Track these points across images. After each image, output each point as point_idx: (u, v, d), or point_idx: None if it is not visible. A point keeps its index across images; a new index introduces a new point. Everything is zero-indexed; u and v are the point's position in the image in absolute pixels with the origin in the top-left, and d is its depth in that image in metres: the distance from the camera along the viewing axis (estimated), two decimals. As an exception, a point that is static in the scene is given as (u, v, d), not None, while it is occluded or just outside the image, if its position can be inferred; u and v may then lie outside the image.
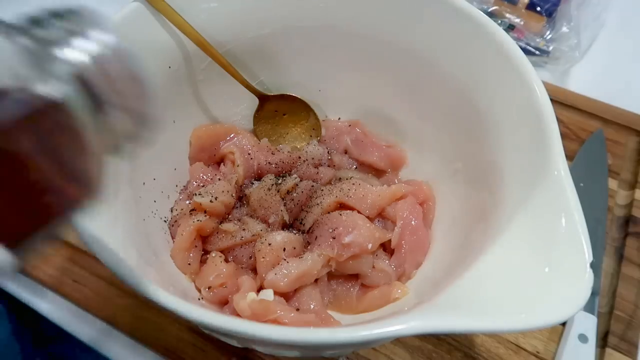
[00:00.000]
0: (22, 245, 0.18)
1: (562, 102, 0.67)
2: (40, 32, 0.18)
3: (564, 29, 0.74)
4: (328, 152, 0.53)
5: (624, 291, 0.51)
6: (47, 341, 0.56)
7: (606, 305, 0.50)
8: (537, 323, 0.28)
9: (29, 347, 0.54)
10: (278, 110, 0.54)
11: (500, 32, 0.40)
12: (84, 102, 0.18)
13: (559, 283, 0.30)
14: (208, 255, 0.45)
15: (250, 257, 0.45)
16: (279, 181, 0.50)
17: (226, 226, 0.46)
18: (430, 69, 0.47)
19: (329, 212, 0.48)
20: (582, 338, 0.46)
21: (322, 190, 0.49)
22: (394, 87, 0.51)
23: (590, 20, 0.76)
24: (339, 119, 0.56)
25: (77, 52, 0.18)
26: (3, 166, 0.16)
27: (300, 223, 0.48)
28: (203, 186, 0.48)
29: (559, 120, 0.35)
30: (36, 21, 0.18)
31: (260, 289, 0.44)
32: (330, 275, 0.46)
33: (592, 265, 0.30)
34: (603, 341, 0.48)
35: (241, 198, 0.49)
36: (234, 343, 0.44)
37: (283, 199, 0.48)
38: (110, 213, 0.36)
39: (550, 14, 0.74)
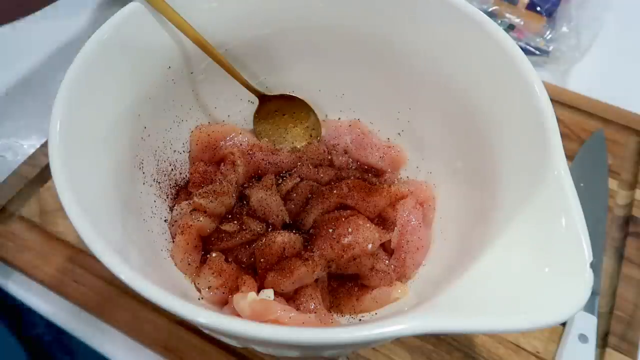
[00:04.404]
0: None
1: (562, 102, 0.67)
2: None
3: (564, 29, 0.74)
4: (328, 152, 0.53)
5: (624, 291, 0.51)
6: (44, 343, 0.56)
7: (606, 305, 0.50)
8: (537, 323, 0.28)
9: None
10: (278, 110, 0.54)
11: (500, 32, 0.40)
12: None
13: (559, 283, 0.30)
14: (208, 255, 0.45)
15: (251, 257, 0.45)
16: (279, 181, 0.50)
17: (226, 226, 0.46)
18: (430, 68, 0.47)
19: (329, 212, 0.48)
20: (582, 338, 0.46)
21: (322, 190, 0.49)
22: (394, 87, 0.51)
23: (590, 20, 0.76)
24: (339, 119, 0.56)
25: None
26: None
27: (300, 223, 0.48)
28: (203, 186, 0.48)
29: (559, 120, 0.35)
30: None
31: (260, 288, 0.44)
32: (330, 275, 0.46)
33: (592, 265, 0.30)
34: (603, 341, 0.48)
35: (241, 198, 0.49)
36: (234, 343, 0.44)
37: (283, 199, 0.48)
38: (110, 214, 0.36)
39: (550, 14, 0.74)
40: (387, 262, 0.46)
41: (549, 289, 0.30)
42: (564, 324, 0.48)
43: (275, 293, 0.43)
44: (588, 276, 0.29)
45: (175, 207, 0.47)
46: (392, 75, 0.50)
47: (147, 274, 0.31)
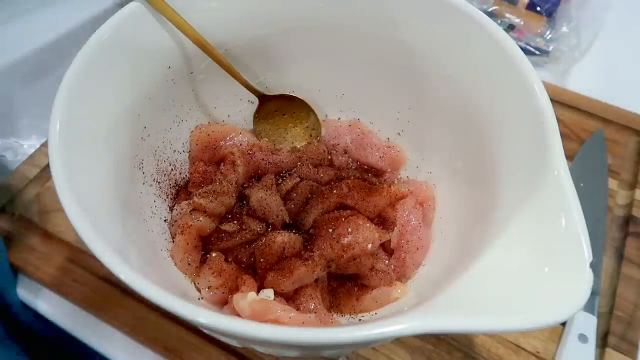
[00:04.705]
0: None
1: (562, 102, 0.67)
2: None
3: (564, 29, 0.74)
4: (328, 152, 0.53)
5: (624, 291, 0.51)
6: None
7: (606, 305, 0.50)
8: (537, 323, 0.28)
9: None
10: (278, 110, 0.54)
11: (500, 32, 0.40)
12: None
13: (558, 283, 0.30)
14: (208, 255, 0.45)
15: (250, 257, 0.45)
16: (279, 181, 0.50)
17: (226, 226, 0.46)
18: (430, 68, 0.47)
19: (328, 212, 0.48)
20: (582, 338, 0.46)
21: (322, 190, 0.49)
22: (394, 87, 0.51)
23: (590, 20, 0.76)
24: (339, 119, 0.56)
25: None
26: None
27: (300, 223, 0.48)
28: (203, 186, 0.48)
29: (559, 120, 0.35)
30: None
31: (260, 288, 0.44)
32: (330, 275, 0.46)
33: (592, 265, 0.30)
34: (603, 341, 0.48)
35: (241, 198, 0.49)
36: (234, 343, 0.44)
37: (283, 199, 0.48)
38: (110, 214, 0.36)
39: (550, 14, 0.74)
40: (387, 262, 0.46)
41: (548, 289, 0.30)
42: (564, 324, 0.48)
43: (275, 293, 0.43)
44: (588, 276, 0.29)
45: (175, 207, 0.47)
46: (392, 75, 0.50)
47: (147, 274, 0.31)
